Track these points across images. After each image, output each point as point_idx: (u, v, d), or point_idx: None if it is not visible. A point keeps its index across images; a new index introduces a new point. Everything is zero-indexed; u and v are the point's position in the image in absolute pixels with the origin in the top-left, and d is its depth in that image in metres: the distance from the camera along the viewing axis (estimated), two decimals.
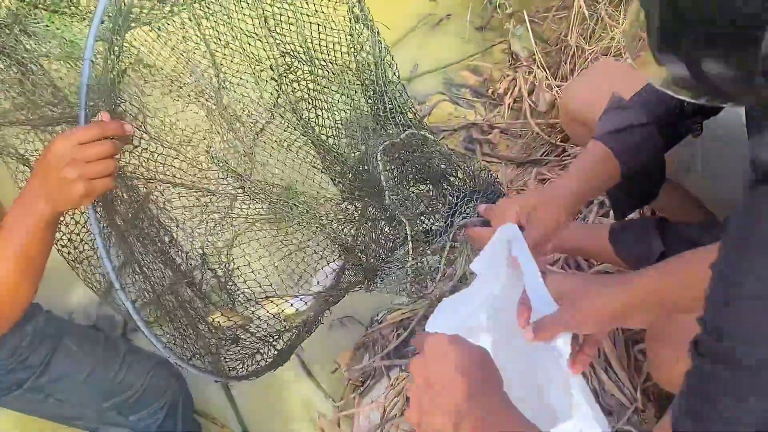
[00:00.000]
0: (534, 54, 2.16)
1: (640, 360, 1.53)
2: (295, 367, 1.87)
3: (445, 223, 1.05)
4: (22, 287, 1.07)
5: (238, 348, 1.18)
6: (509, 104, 2.18)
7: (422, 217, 1.07)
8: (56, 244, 1.15)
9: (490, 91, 2.29)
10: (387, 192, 0.99)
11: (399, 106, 1.10)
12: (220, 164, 1.23)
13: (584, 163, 1.16)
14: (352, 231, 1.16)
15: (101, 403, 1.41)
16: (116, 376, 1.40)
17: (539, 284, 0.94)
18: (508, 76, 2.24)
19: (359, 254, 1.10)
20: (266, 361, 1.16)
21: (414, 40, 2.50)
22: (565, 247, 1.39)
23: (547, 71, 2.12)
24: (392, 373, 1.74)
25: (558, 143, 2.04)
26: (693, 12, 0.62)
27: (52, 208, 1.01)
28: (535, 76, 2.14)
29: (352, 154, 1.13)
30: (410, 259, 0.99)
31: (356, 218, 1.16)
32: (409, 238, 0.98)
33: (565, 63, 2.09)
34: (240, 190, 1.26)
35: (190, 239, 1.23)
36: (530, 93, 2.16)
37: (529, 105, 2.13)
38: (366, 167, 1.07)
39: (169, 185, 1.19)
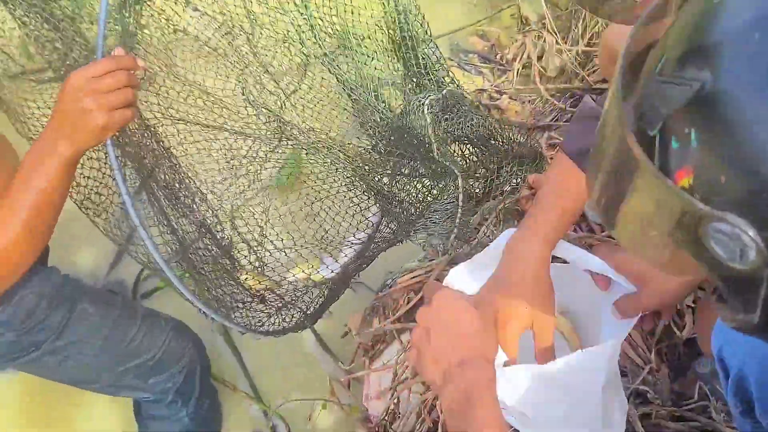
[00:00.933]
0: (544, 18, 2.14)
1: (653, 321, 1.54)
2: (306, 330, 1.87)
3: (489, 182, 1.05)
4: (36, 232, 1.05)
5: (264, 306, 1.17)
6: (518, 70, 2.17)
7: (470, 180, 1.07)
8: (72, 197, 1.12)
9: (498, 56, 2.26)
10: (435, 144, 0.98)
11: (432, 64, 1.09)
12: (257, 106, 1.21)
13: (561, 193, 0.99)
14: (388, 181, 1.15)
15: (118, 367, 1.40)
16: (134, 340, 1.39)
17: (608, 268, 1.02)
18: (517, 41, 2.22)
19: (396, 204, 1.10)
20: (292, 321, 1.16)
21: (420, 5, 2.45)
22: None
23: (558, 35, 2.10)
24: (403, 337, 1.74)
25: (567, 109, 2.03)
26: None
27: (72, 145, 0.99)
28: (544, 41, 2.12)
29: (389, 107, 1.12)
30: (459, 210, 0.99)
31: (393, 169, 1.15)
32: (460, 189, 0.97)
33: (576, 27, 2.08)
34: (278, 132, 1.24)
35: (220, 196, 1.22)
36: (539, 58, 2.14)
37: (539, 70, 2.11)
38: (405, 121, 1.06)
39: (205, 127, 1.17)
